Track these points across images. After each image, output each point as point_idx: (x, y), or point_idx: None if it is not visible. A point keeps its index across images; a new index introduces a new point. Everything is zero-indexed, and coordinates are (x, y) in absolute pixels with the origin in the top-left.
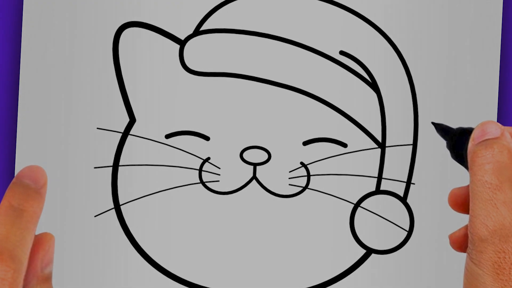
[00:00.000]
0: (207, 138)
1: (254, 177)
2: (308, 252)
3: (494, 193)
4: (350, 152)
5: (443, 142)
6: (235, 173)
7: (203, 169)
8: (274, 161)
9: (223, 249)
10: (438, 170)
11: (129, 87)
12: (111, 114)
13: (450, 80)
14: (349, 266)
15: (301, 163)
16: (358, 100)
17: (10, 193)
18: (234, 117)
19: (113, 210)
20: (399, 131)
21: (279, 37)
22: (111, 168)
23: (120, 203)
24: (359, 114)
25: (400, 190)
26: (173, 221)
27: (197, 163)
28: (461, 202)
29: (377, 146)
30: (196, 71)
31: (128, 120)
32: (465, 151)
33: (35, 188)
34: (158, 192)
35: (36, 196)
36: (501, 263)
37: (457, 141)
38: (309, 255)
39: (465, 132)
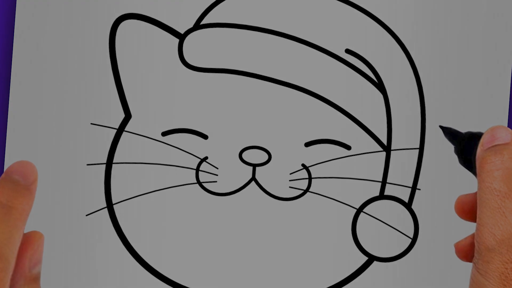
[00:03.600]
0: (205, 136)
1: (253, 178)
2: (308, 257)
3: (502, 201)
4: (354, 155)
5: (450, 147)
6: (233, 173)
7: (201, 168)
8: (274, 162)
9: (219, 252)
10: (445, 176)
11: (125, 81)
12: (105, 109)
13: (459, 83)
14: (350, 273)
15: (303, 165)
16: (364, 101)
17: None
18: (234, 115)
19: (106, 209)
20: (405, 134)
21: (283, 33)
22: (105, 165)
23: (113, 202)
24: (364, 116)
25: (405, 195)
26: (167, 222)
27: (194, 163)
28: (468, 209)
29: (382, 149)
30: (196, 67)
31: (123, 116)
32: (473, 157)
33: (25, 185)
34: (153, 191)
35: (26, 193)
36: (508, 274)
37: (466, 146)
38: (308, 261)
39: (474, 137)
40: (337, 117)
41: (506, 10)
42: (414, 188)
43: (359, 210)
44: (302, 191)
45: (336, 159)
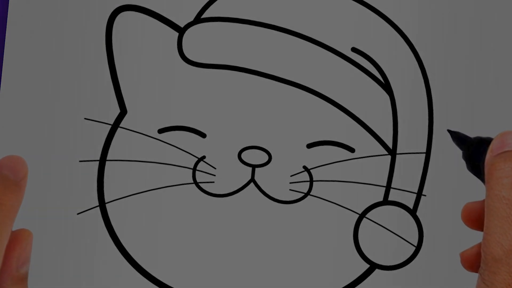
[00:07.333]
0: (203, 135)
1: (252, 179)
2: (307, 263)
3: (511, 210)
4: (358, 158)
5: (458, 152)
6: (231, 174)
7: (198, 168)
8: (274, 163)
9: (215, 256)
10: (452, 182)
11: (121, 76)
12: (100, 104)
13: (469, 85)
14: (351, 281)
15: (304, 167)
16: (369, 102)
17: None
18: (233, 114)
19: (98, 208)
20: (411, 137)
21: (287, 29)
22: (98, 162)
23: (106, 200)
24: (369, 117)
25: (410, 201)
26: (162, 223)
27: (191, 162)
28: (475, 217)
29: (387, 153)
30: (195, 62)
31: (118, 111)
32: (482, 163)
33: (14, 180)
34: (148, 191)
35: (15, 189)
36: None
37: (474, 151)
38: (308, 267)
39: (483, 142)
40: (341, 118)
41: None
42: (419, 194)
43: (362, 215)
44: (303, 194)
45: (339, 161)
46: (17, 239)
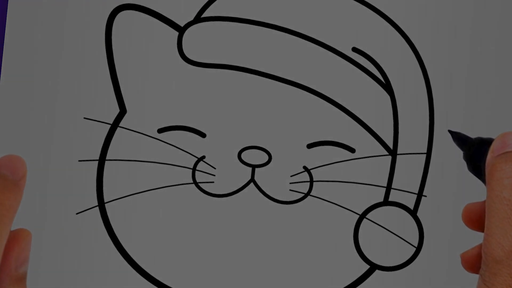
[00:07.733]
0: (203, 135)
1: (252, 179)
2: (307, 264)
3: None
4: (358, 158)
5: (459, 153)
6: (231, 174)
7: (197, 168)
8: (274, 163)
9: (214, 256)
10: (453, 183)
11: (121, 75)
12: (100, 103)
13: (470, 85)
14: (350, 282)
15: (304, 167)
16: (370, 102)
17: None
18: (233, 113)
19: (97, 208)
20: (412, 138)
21: (287, 29)
22: (97, 162)
23: (105, 200)
24: (369, 118)
25: (410, 202)
26: (161, 224)
27: (191, 162)
28: (476, 218)
29: (387, 153)
30: (195, 62)
31: (118, 111)
32: (483, 164)
33: (13, 180)
34: (147, 191)
35: (14, 188)
36: None
37: (475, 152)
38: (307, 267)
39: (484, 143)
40: (341, 118)
41: None
42: (420, 194)
43: (362, 216)
44: (303, 194)
45: (339, 162)
46: (16, 239)
